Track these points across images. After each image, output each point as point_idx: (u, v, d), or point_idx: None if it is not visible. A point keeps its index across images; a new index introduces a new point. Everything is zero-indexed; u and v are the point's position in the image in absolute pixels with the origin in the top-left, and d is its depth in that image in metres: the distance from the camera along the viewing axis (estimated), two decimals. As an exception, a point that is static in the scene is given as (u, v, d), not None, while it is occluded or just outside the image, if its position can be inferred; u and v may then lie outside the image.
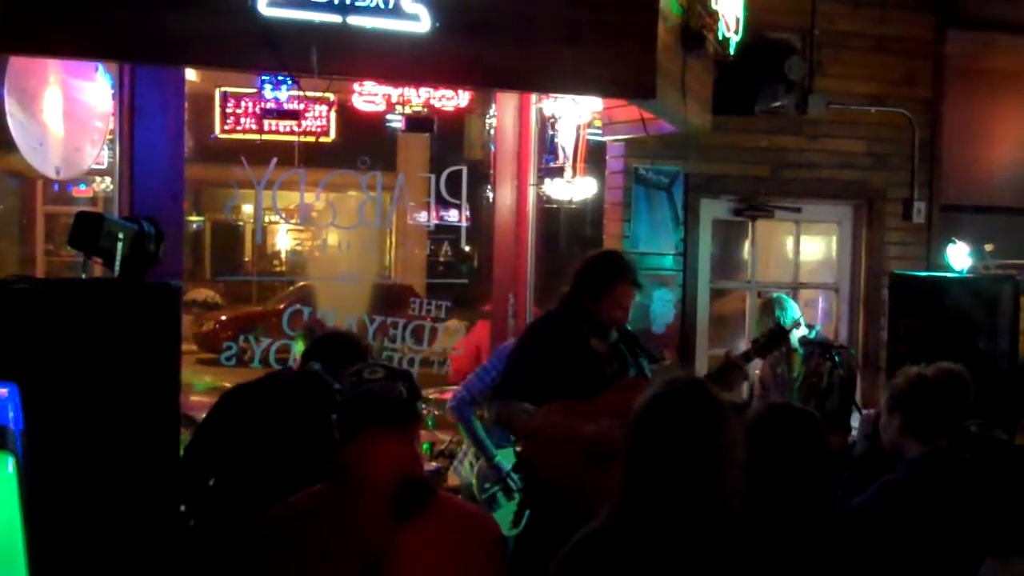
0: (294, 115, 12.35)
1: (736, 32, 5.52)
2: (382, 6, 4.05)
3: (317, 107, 12.48)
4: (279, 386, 3.93)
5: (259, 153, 6.89)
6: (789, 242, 6.86)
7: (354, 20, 4.03)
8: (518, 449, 4.11)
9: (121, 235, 3.60)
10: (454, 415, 5.49)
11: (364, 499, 2.35)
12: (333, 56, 4.02)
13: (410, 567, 2.32)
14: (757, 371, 5.70)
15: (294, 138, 12.93)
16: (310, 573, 2.35)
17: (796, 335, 5.34)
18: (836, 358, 5.10)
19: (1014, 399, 5.62)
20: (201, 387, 10.18)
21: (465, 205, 6.67)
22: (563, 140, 7.43)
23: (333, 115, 13.04)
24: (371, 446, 2.40)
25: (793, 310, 5.44)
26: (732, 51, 5.53)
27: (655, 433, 2.26)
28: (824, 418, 3.27)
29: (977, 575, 3.25)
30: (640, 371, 4.18)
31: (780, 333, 4.42)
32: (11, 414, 2.19)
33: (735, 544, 2.24)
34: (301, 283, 14.86)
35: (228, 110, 12.71)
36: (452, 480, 5.68)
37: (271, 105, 11.99)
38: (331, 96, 10.89)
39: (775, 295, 5.65)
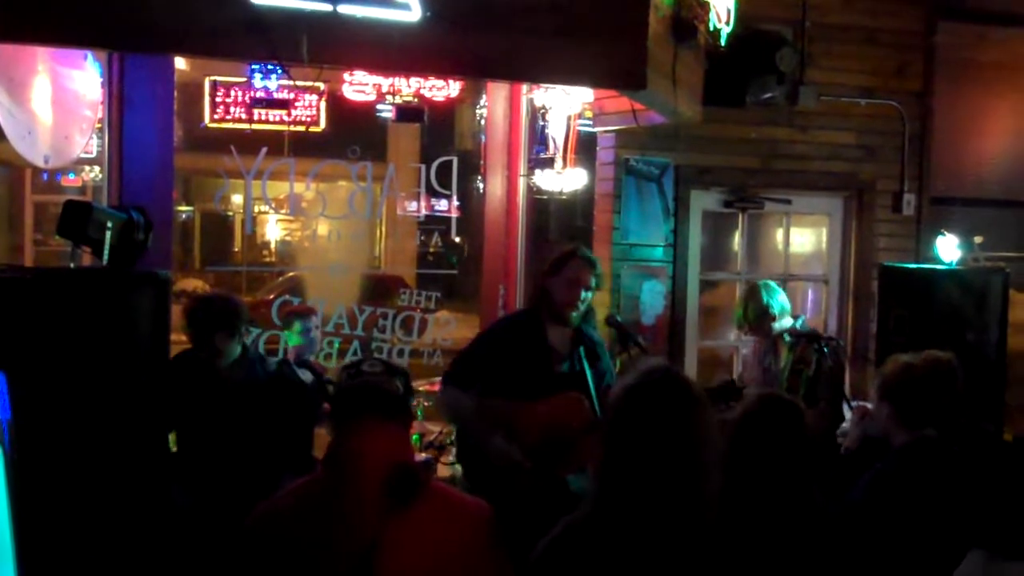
0: (284, 104, 12.31)
1: (727, 23, 5.51)
2: (373, -5, 4.04)
3: (307, 96, 12.43)
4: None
5: (249, 142, 6.89)
6: (779, 234, 6.87)
7: (344, 9, 4.01)
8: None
9: (110, 224, 3.58)
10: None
11: (359, 487, 2.37)
12: (323, 45, 4.00)
13: (404, 555, 2.33)
14: (743, 367, 5.69)
15: (284, 127, 12.88)
16: (305, 561, 2.36)
17: (783, 325, 5.35)
18: (825, 348, 5.10)
19: (1001, 391, 5.63)
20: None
21: (455, 196, 6.68)
22: (554, 131, 7.42)
23: (323, 104, 12.99)
24: (367, 435, 2.42)
25: (779, 297, 5.41)
26: (723, 42, 5.52)
27: (631, 424, 2.26)
28: (814, 406, 3.28)
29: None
30: (597, 374, 4.24)
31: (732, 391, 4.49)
32: (-2, 404, 2.18)
33: (714, 535, 2.25)
34: (291, 273, 14.80)
35: (218, 99, 12.65)
36: (444, 472, 5.66)
37: (261, 94, 11.96)
38: (321, 85, 10.87)
39: (761, 281, 5.62)
